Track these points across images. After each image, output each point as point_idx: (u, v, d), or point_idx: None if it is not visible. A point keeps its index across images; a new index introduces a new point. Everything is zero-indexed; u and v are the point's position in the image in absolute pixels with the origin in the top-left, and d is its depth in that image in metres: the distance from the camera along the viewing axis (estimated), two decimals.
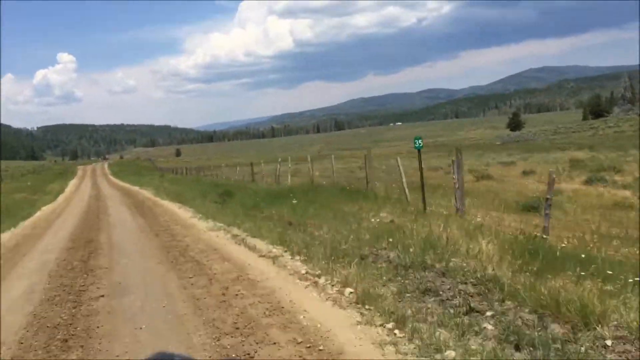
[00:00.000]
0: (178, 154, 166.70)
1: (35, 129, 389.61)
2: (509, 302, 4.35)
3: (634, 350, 3.42)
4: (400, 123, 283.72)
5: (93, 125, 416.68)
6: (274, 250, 7.41)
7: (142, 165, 78.19)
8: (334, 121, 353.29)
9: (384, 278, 5.30)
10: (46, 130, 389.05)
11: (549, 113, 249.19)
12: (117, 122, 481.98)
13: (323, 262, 6.11)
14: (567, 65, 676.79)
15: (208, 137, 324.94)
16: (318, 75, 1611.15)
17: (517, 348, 3.57)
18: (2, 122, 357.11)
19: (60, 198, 26.41)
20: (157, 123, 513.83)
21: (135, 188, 29.28)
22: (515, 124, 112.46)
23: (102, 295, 5.70)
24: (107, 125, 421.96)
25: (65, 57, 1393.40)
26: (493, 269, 5.12)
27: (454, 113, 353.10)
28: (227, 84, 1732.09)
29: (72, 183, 45.38)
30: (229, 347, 3.96)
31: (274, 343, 3.95)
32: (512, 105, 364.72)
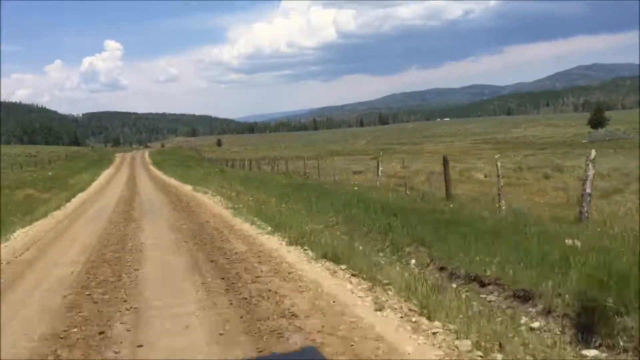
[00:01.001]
0: (219, 143, 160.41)
1: (81, 115, 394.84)
2: None
3: None
4: (448, 118, 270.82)
5: (136, 113, 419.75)
6: None
7: (186, 155, 71.47)
8: (377, 115, 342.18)
9: None
10: (91, 116, 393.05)
11: (610, 111, 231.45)
12: (160, 110, 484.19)
13: None
14: (620, 62, 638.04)
15: (249, 128, 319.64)
16: (359, 67, 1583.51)
17: None
18: (49, 107, 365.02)
19: (76, 201, 17.98)
20: (198, 113, 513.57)
21: (187, 188, 20.87)
22: (597, 121, 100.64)
23: None
24: (150, 114, 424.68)
25: (112, 45, 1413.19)
26: None
27: (502, 109, 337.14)
28: (269, 75, 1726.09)
29: (106, 173, 38.78)
30: None
31: None
32: (565, 103, 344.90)
